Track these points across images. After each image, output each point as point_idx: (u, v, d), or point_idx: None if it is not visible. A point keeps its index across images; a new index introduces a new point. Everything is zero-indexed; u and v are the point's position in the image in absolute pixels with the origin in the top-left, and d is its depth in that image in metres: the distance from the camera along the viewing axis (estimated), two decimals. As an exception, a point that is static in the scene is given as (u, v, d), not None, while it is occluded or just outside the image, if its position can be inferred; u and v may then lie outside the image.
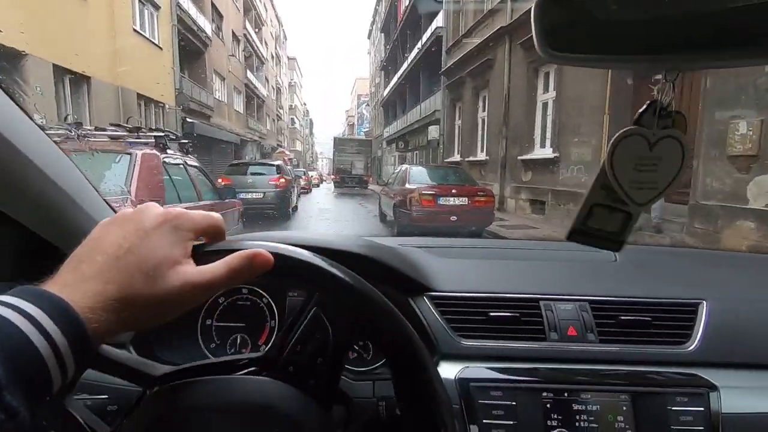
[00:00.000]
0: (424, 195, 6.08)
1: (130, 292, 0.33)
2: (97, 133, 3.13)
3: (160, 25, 13.10)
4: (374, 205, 13.48)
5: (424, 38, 17.17)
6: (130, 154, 2.87)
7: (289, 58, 52.88)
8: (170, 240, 0.36)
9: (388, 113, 30.19)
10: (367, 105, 49.68)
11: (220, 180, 7.71)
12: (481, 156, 11.83)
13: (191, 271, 0.36)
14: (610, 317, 0.74)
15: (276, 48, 40.17)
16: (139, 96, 11.62)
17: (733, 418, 0.63)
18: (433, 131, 15.36)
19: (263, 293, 0.81)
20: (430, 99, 17.13)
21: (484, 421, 0.62)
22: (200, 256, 0.38)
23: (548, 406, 0.64)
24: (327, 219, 10.49)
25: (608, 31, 0.40)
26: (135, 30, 11.56)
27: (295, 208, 10.48)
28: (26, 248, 0.67)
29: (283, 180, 8.61)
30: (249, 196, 7.86)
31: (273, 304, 0.81)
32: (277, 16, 40.85)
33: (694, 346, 0.71)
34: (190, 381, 0.44)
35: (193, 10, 15.12)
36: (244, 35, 24.78)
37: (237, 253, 0.38)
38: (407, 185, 6.71)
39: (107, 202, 0.76)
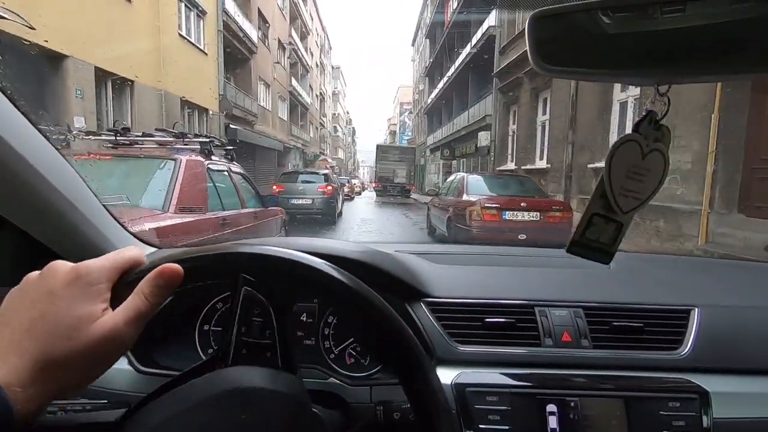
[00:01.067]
0: (488, 208, 5.12)
1: (49, 359, 0.33)
2: (144, 138, 3.16)
3: (206, 31, 13.00)
4: (419, 215, 12.81)
5: (474, 40, 16.22)
6: (174, 159, 2.76)
7: (333, 67, 53.39)
8: (83, 297, 0.35)
9: (432, 120, 29.33)
10: (410, 113, 49.04)
11: (274, 187, 8.84)
12: (541, 164, 10.67)
13: (110, 321, 0.35)
14: (603, 323, 0.75)
15: (321, 57, 40.50)
16: (183, 101, 11.45)
17: (725, 424, 0.65)
18: (483, 138, 14.30)
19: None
20: (479, 104, 16.10)
21: (480, 426, 0.63)
22: (121, 290, 0.39)
23: (543, 411, 0.65)
24: (369, 231, 9.71)
25: (600, 45, 0.41)
26: (180, 35, 11.43)
27: (340, 213, 10.86)
28: (25, 253, 0.74)
29: (330, 188, 9.29)
30: (299, 201, 8.79)
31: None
32: (322, 25, 41.27)
33: (685, 351, 0.72)
34: (154, 402, 0.42)
35: (239, 17, 15.03)
36: (290, 43, 24.86)
37: (145, 278, 0.38)
38: (465, 196, 5.78)
39: (107, 208, 0.82)
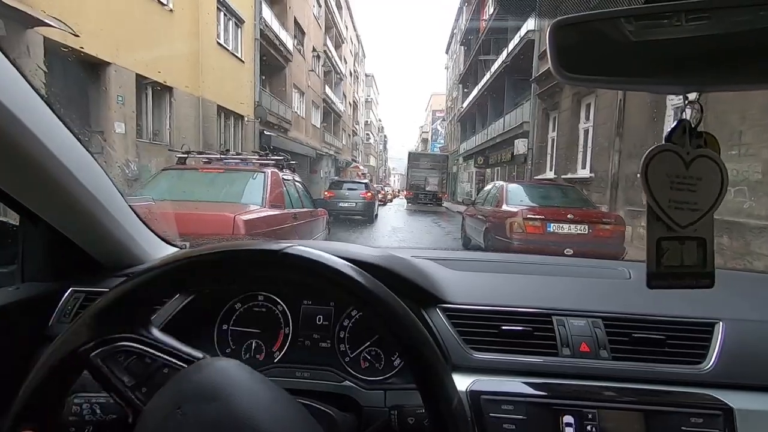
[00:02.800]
0: (530, 220, 4.75)
1: None
2: (240, 157, 4.41)
3: (243, 39, 13.23)
4: (450, 224, 12.53)
5: (511, 45, 15.77)
6: (263, 172, 3.91)
7: (366, 75, 53.81)
8: None
9: (465, 128, 28.85)
10: (443, 120, 48.63)
11: (325, 192, 10.99)
12: (583, 173, 10.09)
13: None
14: (623, 334, 0.73)
15: (354, 65, 40.86)
16: (219, 108, 11.63)
17: None
18: (520, 145, 13.80)
19: (278, 300, 0.83)
20: (516, 111, 15.60)
21: None
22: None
23: (559, 422, 0.63)
24: (401, 240, 9.46)
25: (623, 52, 0.41)
26: (218, 42, 11.65)
27: (376, 215, 12.89)
28: (56, 250, 0.83)
29: (370, 194, 11.78)
30: (345, 205, 11.04)
31: (288, 312, 0.82)
32: (356, 34, 41.69)
33: (709, 366, 0.70)
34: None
35: (276, 25, 15.25)
36: (325, 51, 25.14)
37: None
38: (505, 206, 5.42)
39: (132, 209, 0.89)
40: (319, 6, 23.75)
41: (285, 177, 4.32)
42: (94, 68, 7.34)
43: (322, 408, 0.63)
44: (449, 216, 17.79)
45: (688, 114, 0.46)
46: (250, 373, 0.45)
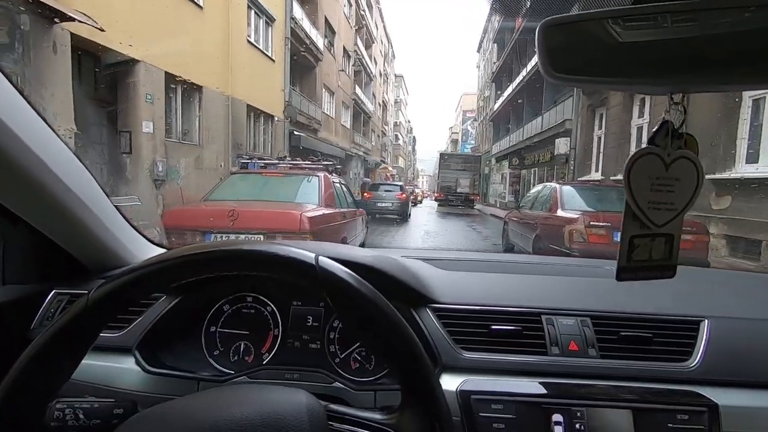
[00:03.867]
0: (594, 228, 4.09)
1: None
2: (297, 162, 5.16)
3: (274, 38, 13.01)
4: (486, 227, 11.96)
5: (552, 39, 14.88)
6: (317, 176, 4.38)
7: (396, 76, 53.39)
8: None
9: (498, 128, 27.92)
10: (474, 120, 47.56)
11: (365, 194, 11.68)
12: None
13: None
14: (611, 332, 0.74)
15: (384, 65, 40.52)
16: (249, 107, 11.42)
17: None
18: (562, 144, 12.94)
19: (268, 302, 0.83)
20: (556, 108, 14.72)
21: None
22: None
23: (549, 420, 0.64)
24: (435, 246, 8.88)
25: (611, 53, 0.41)
26: (249, 41, 11.45)
27: (409, 214, 13.80)
28: (39, 252, 0.81)
29: (404, 195, 13.19)
30: (383, 205, 12.26)
31: (277, 313, 0.82)
32: (386, 34, 41.35)
33: (695, 363, 0.71)
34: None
35: (306, 24, 15.00)
36: (355, 51, 24.85)
37: None
38: (560, 212, 4.78)
39: (119, 209, 0.88)
40: (350, 5, 23.48)
41: (333, 180, 4.83)
42: (122, 66, 7.18)
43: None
44: (483, 219, 17.07)
45: (671, 116, 0.47)
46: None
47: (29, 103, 0.64)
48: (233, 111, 10.43)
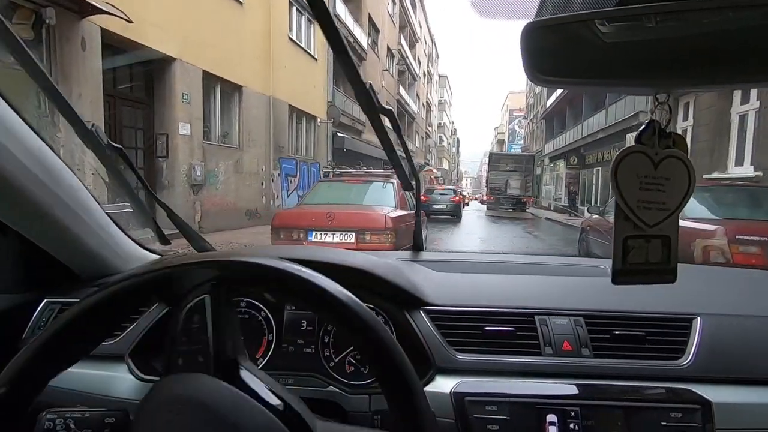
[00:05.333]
0: (743, 244, 2.98)
1: None
2: (372, 171, 6.14)
3: (316, 35, 12.48)
4: (546, 233, 11.02)
5: (619, 24, 13.35)
6: (391, 182, 5.10)
7: (440, 76, 52.19)
8: None
9: (552, 125, 26.12)
10: (524, 118, 45.42)
11: (423, 196, 10.81)
12: (741, 170, 7.75)
13: None
14: (604, 331, 0.74)
15: (428, 65, 39.57)
16: (291, 108, 10.92)
17: None
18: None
19: (261, 306, 0.82)
20: (624, 100, 13.16)
21: None
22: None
23: (543, 421, 0.64)
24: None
25: (596, 54, 0.41)
26: (290, 38, 10.96)
27: (460, 215, 15.13)
28: (27, 261, 0.82)
29: (457, 198, 15.07)
30: (439, 207, 13.81)
31: (271, 318, 0.81)
32: (430, 34, 40.40)
33: (687, 361, 0.71)
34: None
35: (350, 21, 14.41)
36: (399, 51, 24.12)
37: None
38: (685, 221, 3.66)
39: (110, 216, 0.87)
40: (393, 3, 22.79)
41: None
42: (157, 65, 6.78)
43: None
44: (538, 223, 15.73)
45: (657, 115, 0.47)
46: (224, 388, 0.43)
47: (15, 111, 0.64)
48: (274, 112, 9.94)
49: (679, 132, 8.64)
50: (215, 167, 7.95)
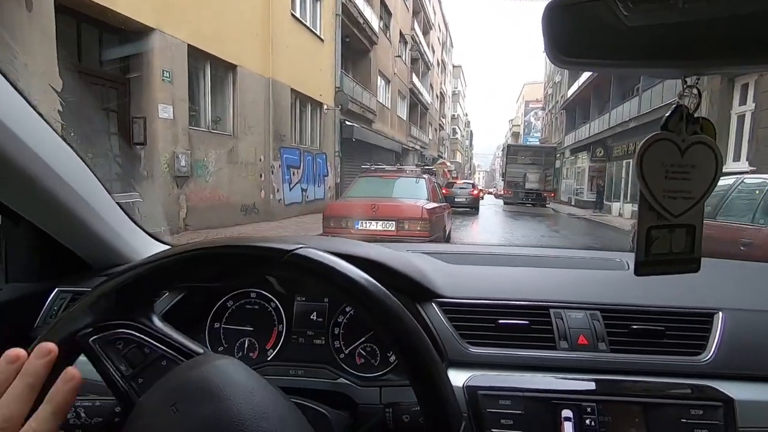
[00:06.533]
0: None
1: None
2: (407, 167, 7.66)
3: (323, 14, 11.45)
4: (573, 232, 10.47)
5: None
6: (423, 178, 5.93)
7: (454, 66, 50.63)
8: None
9: (573, 116, 24.72)
10: (541, 110, 43.78)
11: (444, 190, 10.53)
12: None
13: None
14: (621, 326, 0.72)
15: (442, 54, 38.21)
16: (294, 92, 9.93)
17: None
18: (677, 128, 10.18)
19: (271, 297, 0.82)
20: (662, 85, 11.88)
21: (493, 430, 0.61)
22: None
23: (558, 416, 0.62)
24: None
25: (620, 36, 0.40)
26: (293, 15, 9.94)
27: (478, 208, 15.95)
28: (41, 250, 0.83)
29: (476, 191, 16.18)
30: (459, 200, 14.52)
31: (281, 309, 0.81)
32: (444, 21, 38.97)
33: (709, 357, 0.69)
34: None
35: (360, 1, 13.32)
36: (412, 37, 22.91)
37: (55, 387, 0.37)
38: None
39: (121, 206, 0.88)
40: (407, -14, 21.59)
41: (432, 180, 6.36)
42: (132, 36, 5.82)
43: (317, 408, 0.61)
44: (560, 220, 14.60)
45: (685, 99, 0.46)
46: (248, 373, 0.43)
47: (26, 99, 0.64)
48: (275, 96, 8.96)
49: (733, 118, 7.53)
50: (204, 156, 7.02)
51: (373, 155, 16.17)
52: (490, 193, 33.49)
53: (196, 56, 6.82)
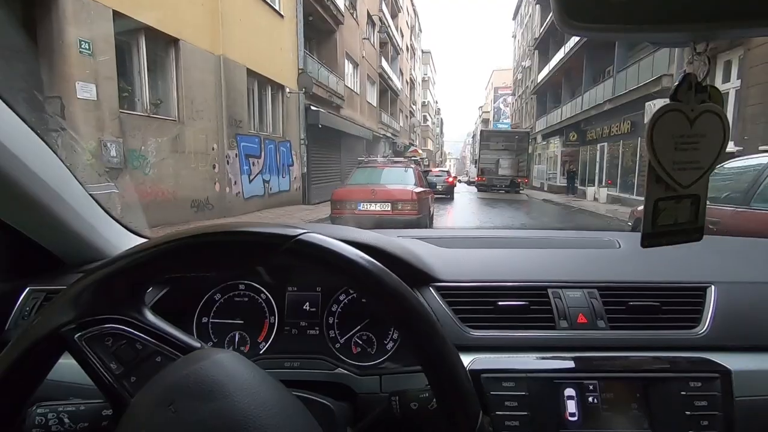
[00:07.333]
0: None
1: None
2: (397, 159, 9.14)
3: (282, -14, 10.39)
4: (553, 218, 9.55)
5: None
6: (411, 167, 7.03)
7: (423, 52, 49.74)
8: None
9: (544, 101, 24.50)
10: (511, 96, 43.67)
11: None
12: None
13: None
14: (619, 303, 0.74)
15: (411, 39, 37.28)
16: (251, 73, 8.91)
17: (747, 402, 0.63)
18: (656, 109, 9.82)
19: (261, 289, 0.80)
20: (639, 64, 11.53)
21: (497, 412, 0.61)
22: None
23: (561, 395, 0.63)
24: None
25: (630, 0, 0.39)
26: (247, -14, 8.87)
27: (453, 195, 16.47)
28: (8, 247, 0.78)
29: (451, 179, 16.83)
30: (435, 188, 13.52)
31: (272, 300, 0.80)
32: (413, 5, 37.95)
33: (704, 330, 0.71)
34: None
35: (322, -25, 12.28)
36: (380, 18, 21.91)
37: None
38: None
39: (94, 198, 0.84)
40: (373, -36, 20.51)
41: (419, 169, 7.61)
42: (38, -3, 4.74)
43: (319, 400, 0.59)
44: (537, 206, 14.25)
45: (694, 67, 0.45)
46: (249, 367, 0.41)
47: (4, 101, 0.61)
48: (227, 76, 7.95)
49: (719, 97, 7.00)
50: (142, 145, 6.01)
51: (342, 143, 15.29)
52: (461, 181, 33.21)
53: (126, 26, 5.75)
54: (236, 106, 8.34)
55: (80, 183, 0.78)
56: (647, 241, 0.49)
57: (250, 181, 8.95)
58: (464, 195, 19.08)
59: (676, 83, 0.45)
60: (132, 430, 0.37)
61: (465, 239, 1.09)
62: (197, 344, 0.47)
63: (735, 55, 7.87)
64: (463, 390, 0.41)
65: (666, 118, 0.45)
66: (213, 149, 7.67)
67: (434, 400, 0.46)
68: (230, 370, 0.39)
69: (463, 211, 12.72)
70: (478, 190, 21.11)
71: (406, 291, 0.42)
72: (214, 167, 7.72)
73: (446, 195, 15.53)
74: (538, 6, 26.24)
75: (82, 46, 5.01)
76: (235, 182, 8.38)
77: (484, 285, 0.75)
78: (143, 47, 6.19)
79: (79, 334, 0.42)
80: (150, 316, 0.46)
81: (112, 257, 0.44)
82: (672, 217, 0.49)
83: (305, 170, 11.44)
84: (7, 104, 0.63)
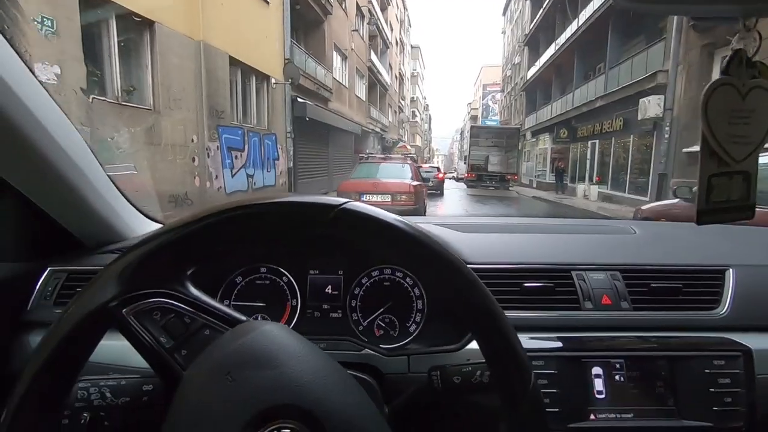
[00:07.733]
0: None
1: None
2: (393, 156, 10.91)
3: (267, -29, 9.90)
4: (541, 214, 9.14)
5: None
6: (408, 163, 8.03)
7: (412, 47, 49.32)
8: None
9: (534, 97, 24.36)
10: (500, 92, 43.56)
11: None
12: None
13: None
14: (641, 285, 0.76)
15: (400, 33, 36.86)
16: (234, 62, 8.45)
17: (767, 380, 0.65)
18: (653, 105, 9.67)
19: (283, 272, 0.81)
20: (633, 60, 11.37)
21: None
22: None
23: (589, 373, 0.66)
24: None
25: None
26: (230, -32, 8.38)
27: (443, 190, 16.82)
28: (30, 227, 0.77)
29: (441, 175, 17.85)
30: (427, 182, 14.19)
31: (294, 283, 0.80)
32: (402, -1, 37.49)
33: (724, 311, 0.73)
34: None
35: (311, -37, 11.80)
36: (369, 10, 21.46)
37: None
38: None
39: (113, 181, 0.83)
40: (363, -45, 20.02)
41: (414, 164, 8.45)
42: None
43: (359, 375, 0.62)
44: (527, 203, 14.06)
45: (744, 43, 0.45)
46: (298, 339, 0.42)
47: (25, 63, 0.61)
48: (208, 64, 7.48)
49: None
50: (113, 135, 5.55)
51: (330, 137, 14.87)
52: (449, 177, 33.12)
53: (95, 3, 5.27)
54: (218, 96, 7.88)
55: (100, 164, 0.78)
56: (702, 218, 0.49)
57: (233, 176, 8.50)
58: (454, 191, 18.84)
59: (727, 59, 0.46)
60: (191, 401, 0.38)
61: (484, 225, 1.11)
62: (243, 317, 0.47)
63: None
64: (518, 352, 0.42)
65: (719, 91, 0.46)
66: (192, 141, 7.21)
67: (477, 373, 0.50)
68: (280, 341, 0.40)
69: (455, 207, 12.46)
70: (468, 187, 20.89)
71: (458, 261, 0.43)
72: (193, 160, 7.27)
73: (436, 190, 15.74)
74: (528, 2, 26.05)
75: (44, 24, 4.53)
76: (217, 176, 7.93)
77: (509, 267, 0.77)
78: (113, 28, 5.70)
79: (127, 308, 0.43)
80: (194, 291, 0.46)
81: (154, 232, 0.43)
82: (725, 193, 0.49)
83: (291, 165, 11.01)
84: (42, 85, 0.63)
